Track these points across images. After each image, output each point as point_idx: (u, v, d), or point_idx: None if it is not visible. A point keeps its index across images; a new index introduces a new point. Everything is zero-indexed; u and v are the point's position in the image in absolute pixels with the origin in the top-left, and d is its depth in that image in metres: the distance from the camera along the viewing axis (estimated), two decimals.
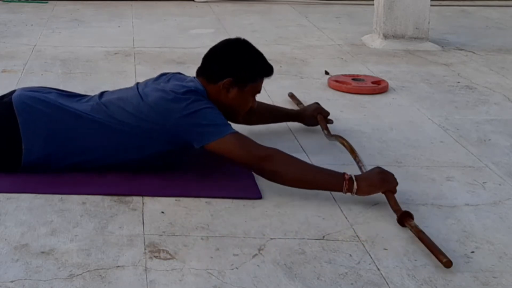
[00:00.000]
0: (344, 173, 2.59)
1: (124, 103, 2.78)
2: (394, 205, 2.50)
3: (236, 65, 2.84)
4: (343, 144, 3.04)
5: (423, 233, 2.31)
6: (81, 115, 2.78)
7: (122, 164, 2.78)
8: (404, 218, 2.42)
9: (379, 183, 2.57)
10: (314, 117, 3.34)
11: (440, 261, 2.18)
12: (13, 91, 2.95)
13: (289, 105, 3.69)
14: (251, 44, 2.93)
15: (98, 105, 2.81)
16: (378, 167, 2.66)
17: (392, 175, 2.61)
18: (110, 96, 2.87)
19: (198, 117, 2.68)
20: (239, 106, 2.89)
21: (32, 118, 2.77)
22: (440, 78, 4.36)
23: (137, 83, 2.94)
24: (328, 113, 3.36)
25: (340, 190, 2.58)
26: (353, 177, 2.57)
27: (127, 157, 2.77)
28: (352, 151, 2.95)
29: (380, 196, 2.64)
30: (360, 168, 2.78)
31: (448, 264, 2.16)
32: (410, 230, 2.37)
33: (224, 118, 2.74)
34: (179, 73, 3.00)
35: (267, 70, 2.91)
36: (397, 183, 2.60)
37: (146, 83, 2.91)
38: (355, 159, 2.88)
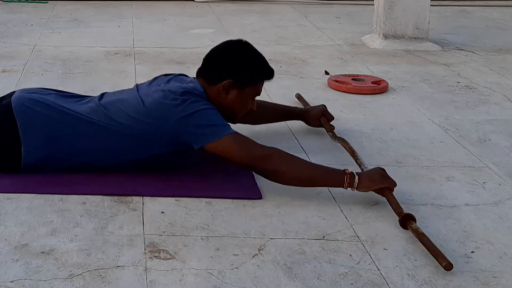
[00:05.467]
0: (345, 169, 2.61)
1: (124, 104, 2.78)
2: (396, 207, 2.49)
3: (236, 67, 2.83)
4: (345, 147, 3.04)
5: (425, 235, 2.31)
6: (80, 117, 2.77)
7: (122, 165, 2.78)
8: (406, 221, 2.41)
9: (379, 178, 2.58)
10: (317, 119, 3.33)
11: (440, 264, 2.18)
12: (12, 93, 2.94)
13: (294, 105, 3.69)
14: (252, 46, 2.91)
15: (97, 106, 2.80)
16: (379, 167, 2.68)
17: (390, 176, 2.63)
18: (110, 97, 2.87)
19: (197, 118, 2.67)
20: (238, 108, 2.88)
21: (31, 121, 2.76)
22: (440, 78, 4.36)
23: (137, 85, 2.93)
24: (332, 117, 3.34)
25: (342, 185, 2.58)
26: (354, 173, 2.59)
27: (126, 158, 2.77)
28: (353, 154, 2.96)
29: (379, 196, 2.64)
30: (362, 170, 2.78)
31: (448, 267, 2.16)
32: (412, 233, 2.37)
33: (223, 118, 2.74)
34: (182, 74, 3.00)
35: (268, 73, 2.90)
36: (395, 184, 2.61)
37: (146, 84, 2.90)
38: (356, 161, 2.88)
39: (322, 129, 3.32)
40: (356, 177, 2.57)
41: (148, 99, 2.74)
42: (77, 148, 2.76)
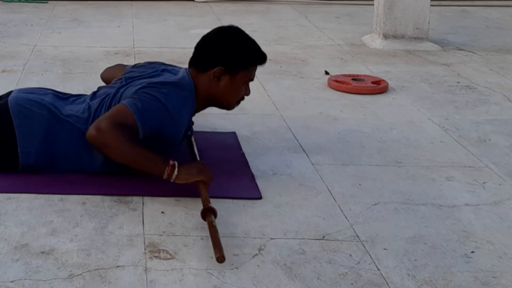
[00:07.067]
0: (169, 160, 2.59)
1: (110, 101, 2.76)
2: (204, 200, 2.51)
3: (226, 53, 2.78)
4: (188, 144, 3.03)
5: (214, 228, 2.33)
6: (71, 121, 2.74)
7: (121, 167, 2.76)
8: (206, 214, 2.43)
9: (196, 172, 2.59)
10: None
11: (215, 255, 2.19)
12: (10, 93, 2.92)
13: (290, 103, 3.69)
14: (244, 32, 2.86)
15: (88, 105, 2.79)
16: (200, 161, 2.72)
17: (209, 170, 2.63)
18: (100, 96, 2.84)
19: (140, 94, 2.67)
20: (230, 95, 2.83)
21: (27, 121, 2.74)
22: (440, 78, 4.36)
23: (124, 74, 2.90)
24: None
25: (162, 174, 2.57)
26: (176, 165, 2.58)
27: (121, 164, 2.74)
28: (191, 148, 2.96)
29: (379, 196, 2.65)
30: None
31: (220, 259, 2.17)
32: (208, 224, 2.38)
33: (158, 117, 2.67)
34: (172, 66, 2.95)
35: (259, 57, 2.85)
36: (212, 178, 2.61)
37: (136, 73, 2.87)
38: (191, 154, 2.91)
39: (322, 129, 3.32)
40: (176, 169, 2.57)
41: (128, 92, 2.74)
42: (71, 151, 2.73)
